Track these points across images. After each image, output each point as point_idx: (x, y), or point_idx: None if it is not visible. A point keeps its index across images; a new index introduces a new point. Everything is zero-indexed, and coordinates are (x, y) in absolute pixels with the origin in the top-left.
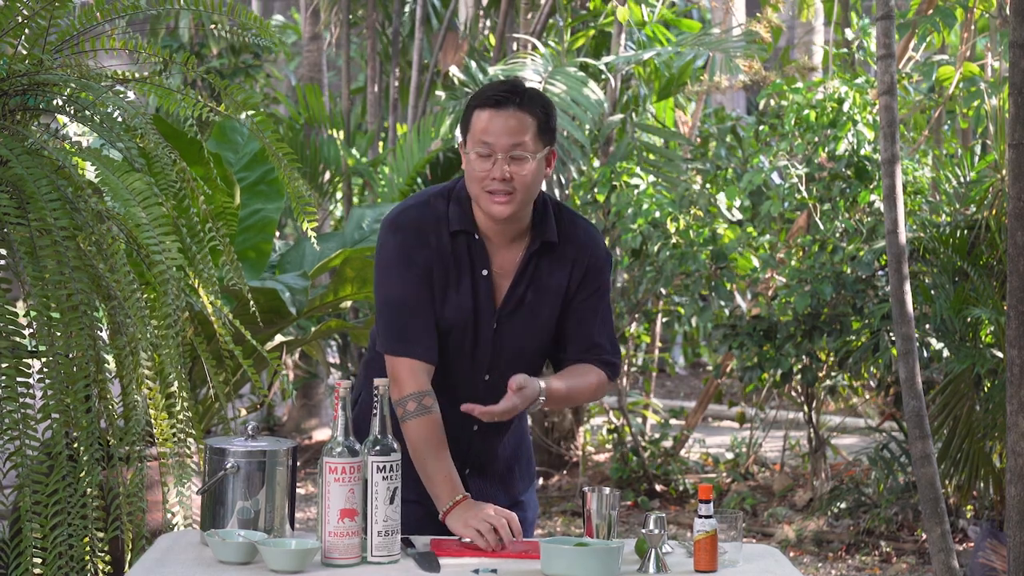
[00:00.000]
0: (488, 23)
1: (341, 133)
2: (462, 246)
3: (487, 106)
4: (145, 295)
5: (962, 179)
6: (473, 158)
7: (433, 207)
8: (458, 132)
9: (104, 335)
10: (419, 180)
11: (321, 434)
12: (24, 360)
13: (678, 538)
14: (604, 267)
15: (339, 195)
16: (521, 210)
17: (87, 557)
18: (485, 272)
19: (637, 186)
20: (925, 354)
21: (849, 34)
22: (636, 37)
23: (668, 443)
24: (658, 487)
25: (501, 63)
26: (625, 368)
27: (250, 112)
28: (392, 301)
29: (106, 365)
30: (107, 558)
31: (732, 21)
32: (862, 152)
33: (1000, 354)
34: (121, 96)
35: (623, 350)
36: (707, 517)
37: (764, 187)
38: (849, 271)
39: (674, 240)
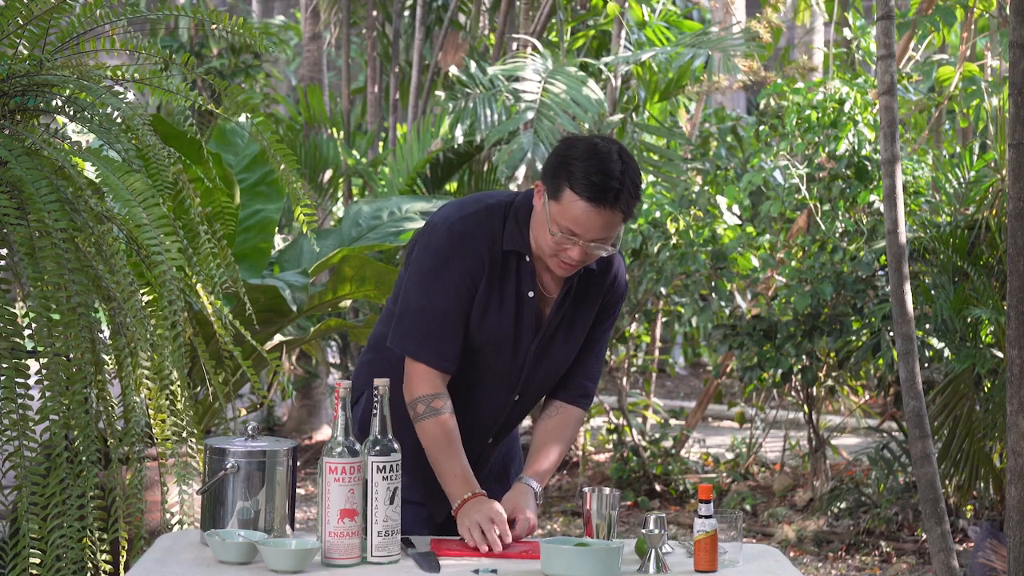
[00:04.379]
0: (488, 23)
1: (341, 133)
2: (511, 265)
3: (582, 198)
4: (145, 295)
5: (962, 179)
6: (557, 235)
7: (490, 220)
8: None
9: (104, 336)
10: (419, 180)
11: (321, 434)
12: (23, 361)
13: (678, 538)
14: (622, 298)
15: (340, 195)
16: None
17: (86, 557)
18: (531, 294)
19: None
20: (925, 354)
21: (848, 34)
22: (635, 38)
23: (668, 443)
24: (658, 487)
25: (500, 63)
26: (625, 368)
27: (250, 115)
28: (423, 305)
29: (105, 366)
30: (107, 558)
31: (732, 21)
32: (863, 152)
33: (1000, 354)
34: (120, 96)
35: (623, 350)
36: (707, 517)
37: (764, 187)
38: (849, 271)
39: (674, 240)
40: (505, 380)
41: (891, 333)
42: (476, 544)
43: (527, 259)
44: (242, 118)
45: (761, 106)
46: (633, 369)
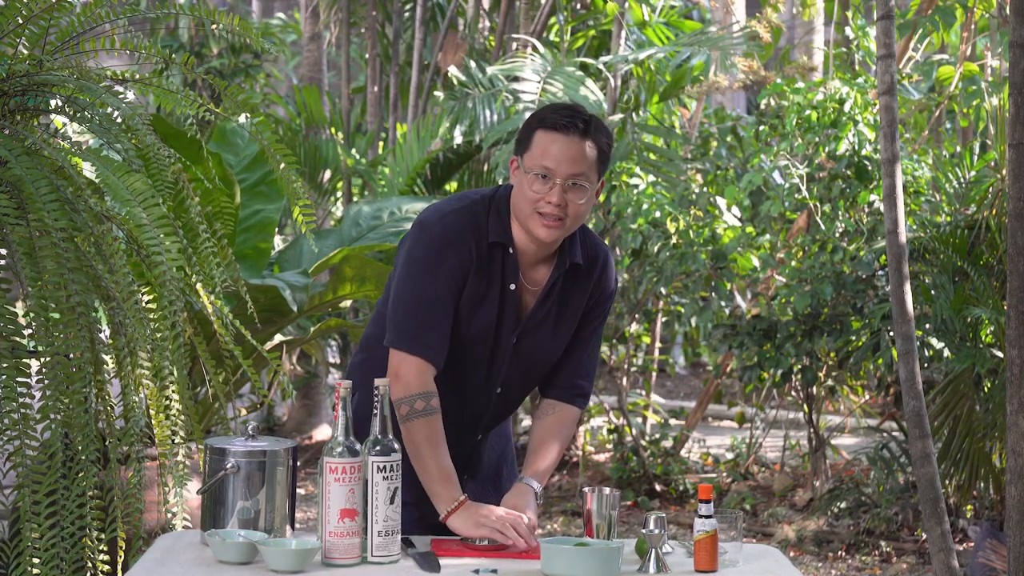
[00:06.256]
0: (488, 23)
1: (341, 133)
2: (496, 257)
3: (551, 129)
4: (145, 295)
5: (962, 179)
6: (531, 179)
7: (474, 215)
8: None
9: (104, 335)
10: (419, 181)
11: (321, 434)
12: (24, 360)
13: (678, 538)
14: (612, 296)
15: (340, 195)
16: (564, 236)
17: (85, 557)
18: (513, 286)
19: (637, 186)
20: (925, 354)
21: (849, 34)
22: (635, 38)
23: (668, 443)
24: (658, 487)
25: (499, 63)
26: (625, 368)
27: (250, 115)
28: (414, 299)
29: (105, 366)
30: (106, 558)
31: (732, 21)
32: (863, 152)
33: (1000, 354)
34: (120, 96)
35: (623, 350)
36: (707, 517)
37: (764, 187)
38: (849, 271)
39: (674, 240)
40: (485, 372)
41: (891, 333)
42: (508, 538)
43: (510, 251)
44: (242, 118)
45: (761, 106)
46: (633, 369)
